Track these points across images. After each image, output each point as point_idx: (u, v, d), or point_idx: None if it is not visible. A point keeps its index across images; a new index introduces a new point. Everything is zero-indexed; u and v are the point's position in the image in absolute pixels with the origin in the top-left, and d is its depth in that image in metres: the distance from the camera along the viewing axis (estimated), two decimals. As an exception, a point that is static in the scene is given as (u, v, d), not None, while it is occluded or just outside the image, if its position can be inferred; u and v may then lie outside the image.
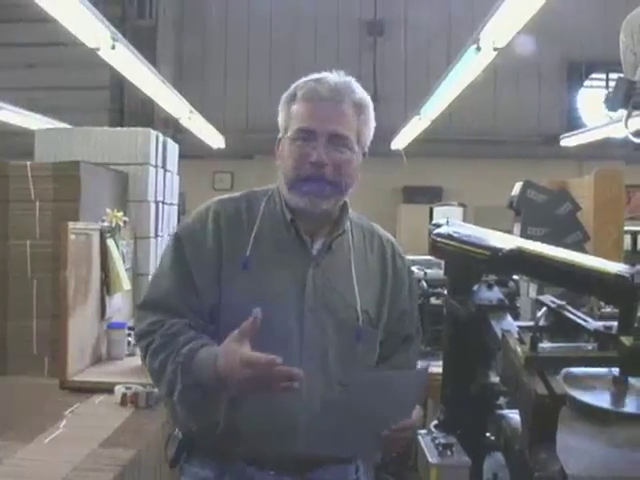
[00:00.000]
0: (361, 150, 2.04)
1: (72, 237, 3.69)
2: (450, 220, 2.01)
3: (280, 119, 2.03)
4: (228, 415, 1.90)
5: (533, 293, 4.01)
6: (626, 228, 4.85)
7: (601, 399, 1.61)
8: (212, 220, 1.99)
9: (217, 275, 1.94)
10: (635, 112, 2.28)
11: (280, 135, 2.03)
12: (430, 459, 1.70)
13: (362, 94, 2.03)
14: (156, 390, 2.90)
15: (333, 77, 1.99)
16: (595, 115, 12.79)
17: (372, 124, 2.07)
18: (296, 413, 1.90)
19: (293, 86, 2.02)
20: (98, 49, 4.90)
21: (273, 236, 2.00)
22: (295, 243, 2.00)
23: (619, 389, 1.62)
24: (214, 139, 10.90)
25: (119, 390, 3.29)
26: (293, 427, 1.90)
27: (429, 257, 6.82)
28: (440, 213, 7.37)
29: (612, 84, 2.37)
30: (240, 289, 1.93)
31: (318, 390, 1.91)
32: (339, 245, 2.05)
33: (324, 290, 1.98)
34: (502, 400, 1.82)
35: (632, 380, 1.60)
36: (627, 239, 6.18)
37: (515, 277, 4.29)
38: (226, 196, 2.12)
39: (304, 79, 2.01)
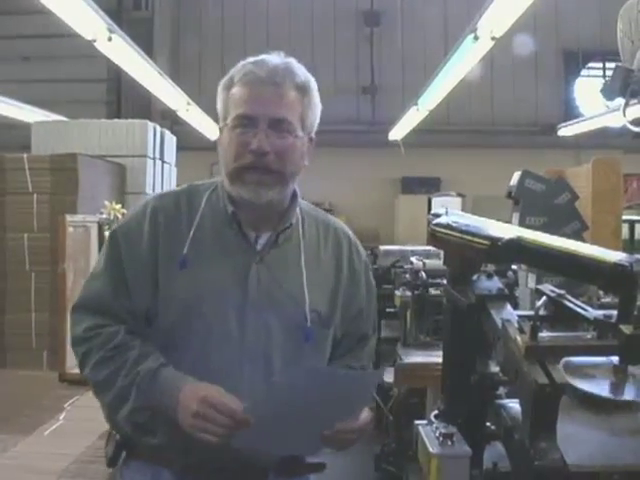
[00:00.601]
0: (306, 135, 1.89)
1: (70, 230, 3.69)
2: (449, 210, 2.00)
3: (218, 106, 1.89)
4: (165, 426, 1.80)
5: (532, 283, 4.01)
6: (624, 217, 4.84)
7: (601, 388, 1.61)
8: (149, 218, 1.87)
9: (153, 276, 1.83)
10: (633, 100, 2.27)
11: (220, 124, 1.89)
12: (431, 449, 1.69)
13: (305, 76, 1.87)
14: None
15: (272, 58, 1.85)
16: (592, 104, 12.80)
17: (318, 107, 1.92)
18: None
19: (231, 71, 1.88)
20: (94, 41, 4.88)
21: (214, 232, 1.88)
22: (237, 238, 1.87)
23: (619, 378, 1.63)
24: (212, 131, 10.88)
25: (118, 382, 3.29)
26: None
27: (428, 247, 6.84)
28: (439, 203, 7.38)
29: (609, 73, 2.36)
30: (178, 289, 1.82)
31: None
32: (287, 239, 1.91)
33: (269, 287, 1.85)
34: (502, 390, 1.82)
35: (631, 368, 1.61)
36: (625, 228, 6.18)
37: (514, 267, 4.31)
38: (166, 191, 2.03)
39: (242, 62, 1.87)
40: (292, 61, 1.88)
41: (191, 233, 1.85)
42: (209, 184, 1.97)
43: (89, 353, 1.82)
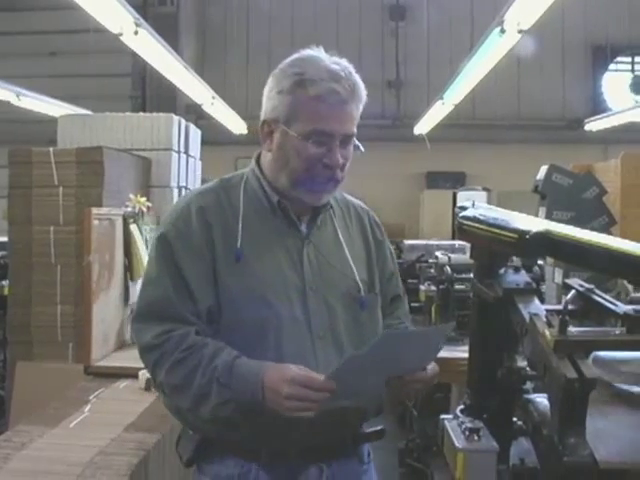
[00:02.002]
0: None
1: (95, 223, 3.70)
2: (476, 203, 1.98)
3: (279, 104, 1.89)
4: (247, 417, 1.83)
5: (558, 278, 3.98)
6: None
7: (631, 383, 1.59)
8: (197, 216, 1.90)
9: (211, 274, 1.87)
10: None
11: (280, 124, 1.89)
12: (457, 443, 1.68)
13: (364, 91, 1.93)
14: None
15: (345, 71, 1.87)
16: (620, 99, 12.69)
17: None
18: None
19: (296, 70, 1.88)
20: (121, 34, 4.90)
21: (260, 221, 1.94)
22: (284, 224, 1.95)
23: (649, 373, 1.61)
24: (236, 125, 10.90)
25: (143, 375, 3.30)
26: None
27: (453, 242, 6.81)
28: (464, 198, 7.34)
29: (638, 67, 2.32)
30: (238, 283, 1.86)
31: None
32: (323, 220, 2.02)
33: (320, 266, 1.95)
34: (529, 384, 1.80)
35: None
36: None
37: (540, 262, 4.27)
38: (200, 188, 2.05)
39: (310, 66, 1.87)
40: (357, 77, 1.91)
41: (239, 226, 1.90)
42: (238, 177, 2.02)
43: (161, 359, 1.83)
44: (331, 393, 1.69)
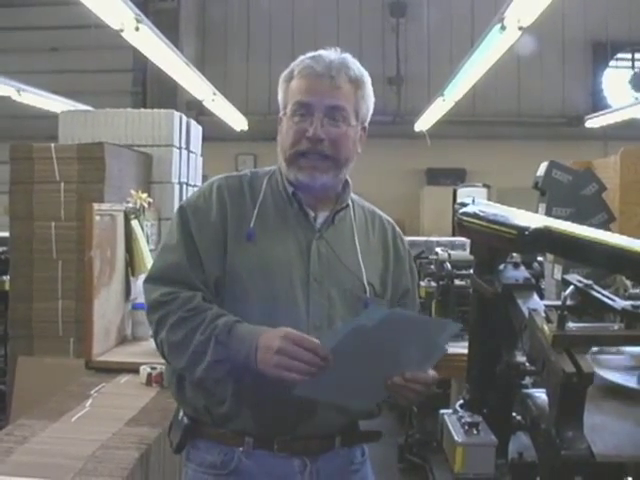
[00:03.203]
0: (360, 124, 2.04)
1: (97, 218, 3.71)
2: (476, 199, 1.99)
3: (279, 98, 2.04)
4: (235, 392, 1.90)
5: (558, 274, 3.99)
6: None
7: (629, 378, 1.61)
8: (216, 194, 2.00)
9: (222, 248, 1.94)
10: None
11: (280, 114, 2.03)
12: (456, 437, 1.69)
13: (359, 70, 2.02)
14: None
15: (329, 54, 1.99)
16: (620, 95, 12.69)
17: (371, 100, 2.06)
18: None
19: (291, 64, 2.02)
20: (122, 30, 4.91)
21: (276, 210, 2.01)
22: (299, 215, 2.01)
23: (647, 368, 1.62)
24: (237, 121, 10.91)
25: (144, 370, 3.32)
26: (302, 400, 1.86)
27: (453, 238, 6.82)
28: (464, 194, 7.34)
29: (638, 64, 2.33)
30: (245, 260, 1.93)
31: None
32: (342, 220, 2.06)
33: (329, 261, 1.99)
34: (528, 380, 1.81)
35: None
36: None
37: (539, 259, 4.28)
38: (229, 174, 2.13)
39: (301, 57, 2.01)
40: (347, 56, 2.02)
41: (256, 210, 1.98)
42: (268, 170, 2.11)
43: (166, 316, 1.89)
44: (324, 362, 1.69)
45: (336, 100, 1.95)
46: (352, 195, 2.13)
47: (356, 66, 2.01)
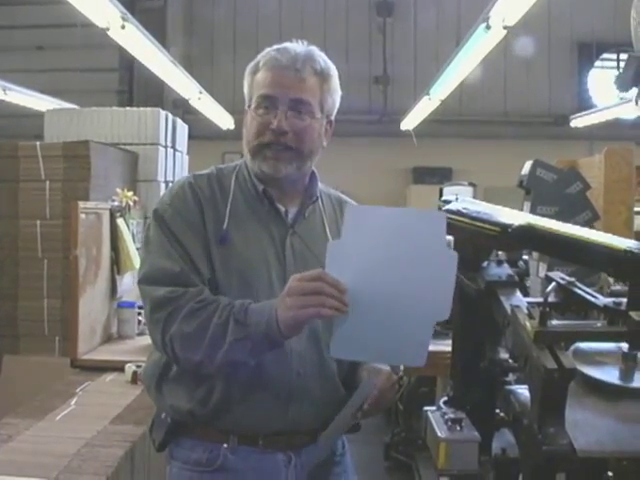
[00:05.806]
0: (325, 117, 2.02)
1: (82, 217, 3.70)
2: (460, 197, 2.00)
3: (245, 90, 2.03)
4: (221, 388, 1.89)
5: (543, 272, 4.00)
6: (636, 209, 4.82)
7: (610, 374, 1.62)
8: (191, 194, 1.97)
9: (208, 249, 1.91)
10: (646, 90, 2.25)
11: (246, 106, 2.02)
12: (439, 433, 1.70)
13: (325, 62, 2.00)
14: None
15: (295, 46, 1.98)
16: (606, 96, 12.73)
17: (337, 93, 2.05)
18: (288, 381, 1.91)
19: (257, 57, 2.01)
20: (108, 29, 4.88)
21: (247, 208, 2.00)
22: (270, 212, 2.00)
23: (628, 365, 1.63)
24: (223, 120, 10.88)
25: (130, 368, 3.32)
26: (286, 396, 1.90)
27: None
28: (450, 193, 7.32)
29: (623, 64, 2.33)
30: (222, 263, 1.91)
31: (308, 357, 1.92)
32: (312, 213, 2.07)
33: (303, 255, 1.98)
34: (511, 376, 1.83)
35: (641, 355, 1.61)
36: (637, 220, 6.14)
37: (525, 257, 4.30)
38: (195, 173, 2.10)
39: (267, 49, 2.00)
40: (313, 49, 2.01)
41: (227, 210, 1.96)
42: (232, 166, 2.09)
43: (175, 311, 1.83)
44: (335, 289, 1.68)
45: (300, 93, 1.94)
46: (319, 184, 2.12)
47: (322, 59, 2.00)
